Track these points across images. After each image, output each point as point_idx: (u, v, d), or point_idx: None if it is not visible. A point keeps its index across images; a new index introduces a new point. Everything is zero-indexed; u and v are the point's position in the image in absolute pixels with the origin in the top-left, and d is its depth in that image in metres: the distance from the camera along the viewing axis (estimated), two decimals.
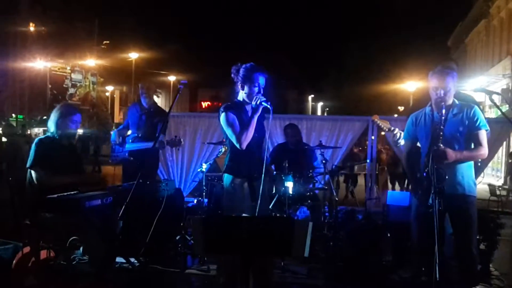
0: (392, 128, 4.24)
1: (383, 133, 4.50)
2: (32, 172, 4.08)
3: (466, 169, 3.64)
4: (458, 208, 3.57)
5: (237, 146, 3.68)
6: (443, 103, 3.52)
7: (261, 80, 3.75)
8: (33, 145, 4.19)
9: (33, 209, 4.04)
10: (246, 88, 3.76)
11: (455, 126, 3.60)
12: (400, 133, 4.11)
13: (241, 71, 3.76)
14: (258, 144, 3.78)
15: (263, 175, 3.62)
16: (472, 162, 3.70)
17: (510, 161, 14.77)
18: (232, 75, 3.82)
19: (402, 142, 4.10)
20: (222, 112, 3.75)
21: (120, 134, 5.59)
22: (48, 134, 4.34)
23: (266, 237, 2.59)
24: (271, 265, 3.94)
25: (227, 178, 3.80)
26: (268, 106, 3.65)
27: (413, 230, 3.98)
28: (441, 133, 3.45)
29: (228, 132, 3.73)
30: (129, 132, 5.65)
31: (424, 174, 3.45)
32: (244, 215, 3.57)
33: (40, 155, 4.11)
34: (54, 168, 4.12)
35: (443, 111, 3.49)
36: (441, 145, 3.41)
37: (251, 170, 3.73)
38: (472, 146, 3.64)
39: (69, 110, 4.31)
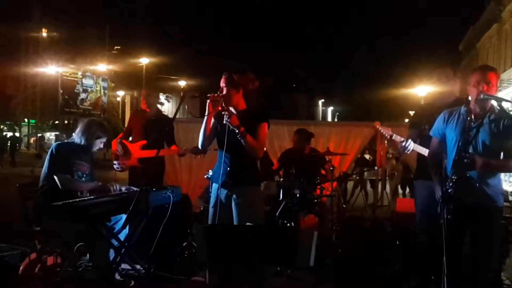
0: (394, 135, 4.04)
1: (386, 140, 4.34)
2: (55, 177, 4.04)
3: (494, 178, 3.39)
4: (482, 219, 3.33)
5: None
6: (485, 100, 3.24)
7: (221, 83, 3.73)
8: (52, 151, 4.16)
9: (40, 215, 4.05)
10: None
11: (490, 132, 3.32)
12: (409, 141, 3.94)
13: None
14: (227, 152, 3.63)
15: (219, 184, 3.58)
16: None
17: None
18: None
19: (411, 148, 3.95)
20: None
21: (122, 144, 5.42)
22: (70, 140, 4.34)
23: (270, 247, 2.56)
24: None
25: None
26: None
27: (424, 238, 3.89)
28: (470, 139, 3.21)
29: None
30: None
31: (450, 184, 3.18)
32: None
33: (60, 159, 4.11)
34: (72, 174, 4.12)
35: (470, 112, 3.22)
36: (471, 152, 3.20)
37: (219, 178, 3.63)
38: (502, 156, 3.35)
39: (99, 133, 4.33)
